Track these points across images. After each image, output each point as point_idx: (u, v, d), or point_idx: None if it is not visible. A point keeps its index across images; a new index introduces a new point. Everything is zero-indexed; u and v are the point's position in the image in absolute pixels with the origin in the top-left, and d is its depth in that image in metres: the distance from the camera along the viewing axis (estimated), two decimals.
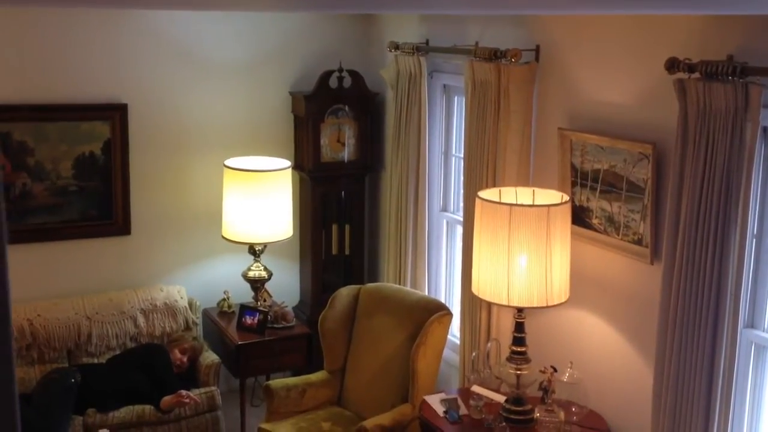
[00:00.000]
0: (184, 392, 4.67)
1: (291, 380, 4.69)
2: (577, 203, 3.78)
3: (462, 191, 4.64)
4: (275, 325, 5.10)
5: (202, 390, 4.86)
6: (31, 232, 5.01)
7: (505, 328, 4.09)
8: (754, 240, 3.05)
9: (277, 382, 4.66)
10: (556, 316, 4.00)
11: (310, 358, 5.11)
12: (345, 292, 4.85)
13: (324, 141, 5.52)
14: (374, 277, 5.83)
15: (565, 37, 3.89)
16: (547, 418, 3.63)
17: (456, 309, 4.71)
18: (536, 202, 3.67)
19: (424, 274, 5.04)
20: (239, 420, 5.02)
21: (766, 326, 3.10)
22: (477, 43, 4.31)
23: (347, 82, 5.53)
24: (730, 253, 2.91)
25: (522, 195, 3.76)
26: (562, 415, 3.63)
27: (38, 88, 4.97)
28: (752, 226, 3.02)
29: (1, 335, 0.56)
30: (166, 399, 4.65)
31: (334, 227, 5.69)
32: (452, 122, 5.05)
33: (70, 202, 5.15)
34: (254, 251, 5.26)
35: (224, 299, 5.38)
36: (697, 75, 2.96)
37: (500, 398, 3.86)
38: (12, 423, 0.58)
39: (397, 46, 5.04)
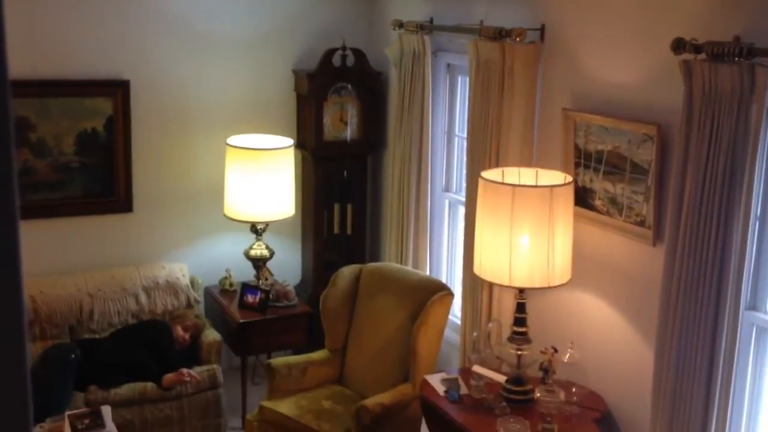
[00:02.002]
0: (185, 371, 4.69)
1: (292, 359, 4.70)
2: (581, 184, 3.77)
3: (465, 171, 4.63)
4: (277, 304, 5.12)
5: (204, 368, 4.88)
6: (33, 208, 5.01)
7: (506, 309, 4.10)
8: (758, 222, 3.05)
9: (279, 360, 4.67)
10: (558, 296, 4.00)
11: (311, 337, 5.13)
12: (346, 272, 4.85)
13: (327, 120, 5.50)
14: (376, 256, 5.83)
15: (570, 16, 3.87)
16: (548, 399, 3.65)
17: (457, 289, 4.71)
18: (539, 183, 3.66)
19: (426, 254, 5.04)
20: (240, 398, 5.05)
21: (767, 309, 3.10)
22: (482, 22, 4.28)
23: (350, 60, 5.50)
24: (733, 235, 2.91)
25: (525, 175, 3.75)
26: (562, 395, 3.65)
27: (40, 63, 4.95)
28: (756, 208, 3.01)
29: (14, 318, 0.55)
30: (168, 376, 4.68)
31: (336, 206, 5.68)
32: (456, 102, 5.03)
33: (72, 179, 5.14)
34: (256, 230, 5.26)
35: (226, 277, 5.39)
36: (703, 56, 2.94)
37: (501, 378, 3.87)
38: (24, 400, 0.58)
39: (401, 25, 5.01)
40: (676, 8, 3.25)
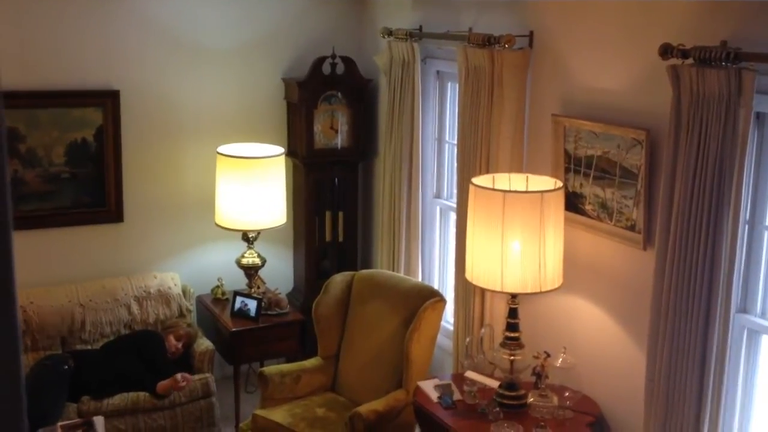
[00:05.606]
0: (179, 375, 4.68)
1: (285, 367, 4.70)
2: (571, 189, 3.79)
3: (455, 178, 4.64)
4: (269, 312, 5.11)
5: (196, 377, 4.87)
6: (24, 219, 5.00)
7: (498, 314, 4.11)
8: (747, 226, 3.07)
9: (272, 368, 4.67)
10: (550, 301, 4.01)
11: (304, 345, 5.12)
12: (339, 279, 4.85)
13: (317, 128, 5.51)
14: (368, 263, 5.84)
15: (558, 22, 3.89)
16: (541, 403, 3.66)
17: (450, 295, 4.72)
18: (530, 188, 3.68)
19: (418, 261, 5.05)
20: (234, 406, 5.04)
21: (758, 311, 3.11)
22: (470, 29, 4.30)
23: (340, 68, 5.52)
24: (723, 238, 2.93)
25: (515, 181, 3.77)
26: (555, 399, 3.66)
27: (30, 74, 4.95)
28: (745, 211, 3.02)
29: (8, 328, 0.56)
30: (162, 383, 4.67)
31: (328, 214, 5.69)
32: (446, 108, 5.04)
33: (63, 189, 5.13)
34: (248, 238, 5.26)
35: (218, 286, 5.38)
36: (690, 61, 2.96)
37: (494, 383, 3.88)
38: (18, 411, 0.58)
39: (390, 32, 5.03)
40: (663, 14, 3.27)
